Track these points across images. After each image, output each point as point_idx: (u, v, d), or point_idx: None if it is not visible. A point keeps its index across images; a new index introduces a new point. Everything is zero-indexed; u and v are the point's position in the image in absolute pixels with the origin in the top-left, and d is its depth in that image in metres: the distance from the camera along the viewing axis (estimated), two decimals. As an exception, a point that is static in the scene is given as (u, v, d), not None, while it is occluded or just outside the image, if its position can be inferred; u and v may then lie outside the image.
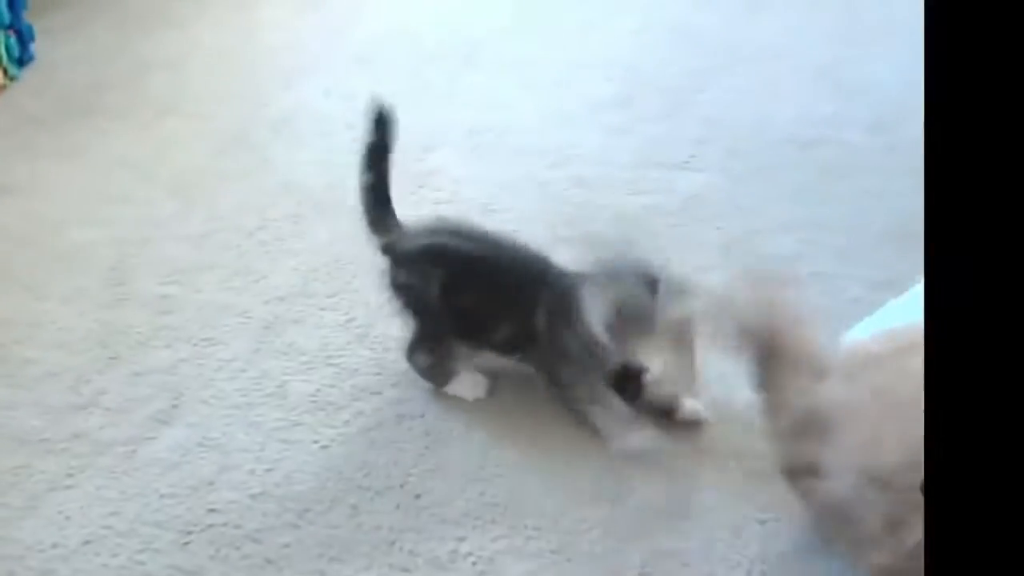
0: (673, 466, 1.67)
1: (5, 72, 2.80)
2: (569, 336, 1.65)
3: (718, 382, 1.79)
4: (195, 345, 1.97)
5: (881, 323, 1.38)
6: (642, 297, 1.58)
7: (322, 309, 2.02)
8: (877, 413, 1.27)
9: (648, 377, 1.68)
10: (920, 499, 1.07)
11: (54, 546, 1.64)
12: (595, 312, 1.60)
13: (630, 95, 2.52)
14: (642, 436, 1.69)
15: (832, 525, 1.37)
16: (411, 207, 2.23)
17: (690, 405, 1.75)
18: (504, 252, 1.76)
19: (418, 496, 1.66)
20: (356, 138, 2.47)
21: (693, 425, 1.74)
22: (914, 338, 1.36)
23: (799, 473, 1.42)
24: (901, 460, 1.21)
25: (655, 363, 1.64)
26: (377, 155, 1.82)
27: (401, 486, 1.68)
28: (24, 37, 2.87)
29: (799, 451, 1.41)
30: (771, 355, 1.47)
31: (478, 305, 1.74)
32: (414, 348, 1.80)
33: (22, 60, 2.87)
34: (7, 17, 2.77)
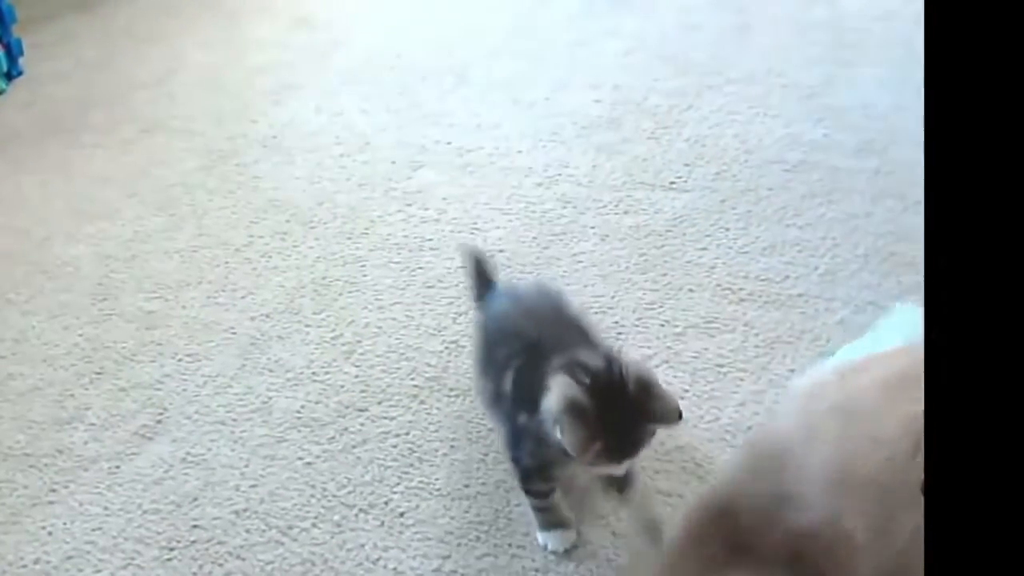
0: (659, 486, 1.67)
1: (-7, 85, 2.81)
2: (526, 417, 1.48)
3: (705, 398, 1.79)
4: (180, 360, 1.97)
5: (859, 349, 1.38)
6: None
7: (308, 326, 2.02)
8: (838, 426, 1.27)
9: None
10: (905, 493, 1.07)
11: (36, 562, 1.63)
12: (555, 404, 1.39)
13: (618, 116, 2.53)
14: (567, 537, 1.59)
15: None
16: (398, 226, 2.25)
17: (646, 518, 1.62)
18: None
19: (402, 514, 1.66)
20: (345, 155, 2.50)
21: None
22: (858, 364, 1.36)
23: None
24: (877, 461, 1.21)
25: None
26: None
27: (386, 503, 1.67)
28: (13, 51, 2.87)
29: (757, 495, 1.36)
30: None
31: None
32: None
33: (10, 75, 2.88)
34: (-6, 30, 2.78)
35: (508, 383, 1.53)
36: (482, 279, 1.79)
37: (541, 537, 1.60)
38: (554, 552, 1.58)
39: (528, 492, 1.59)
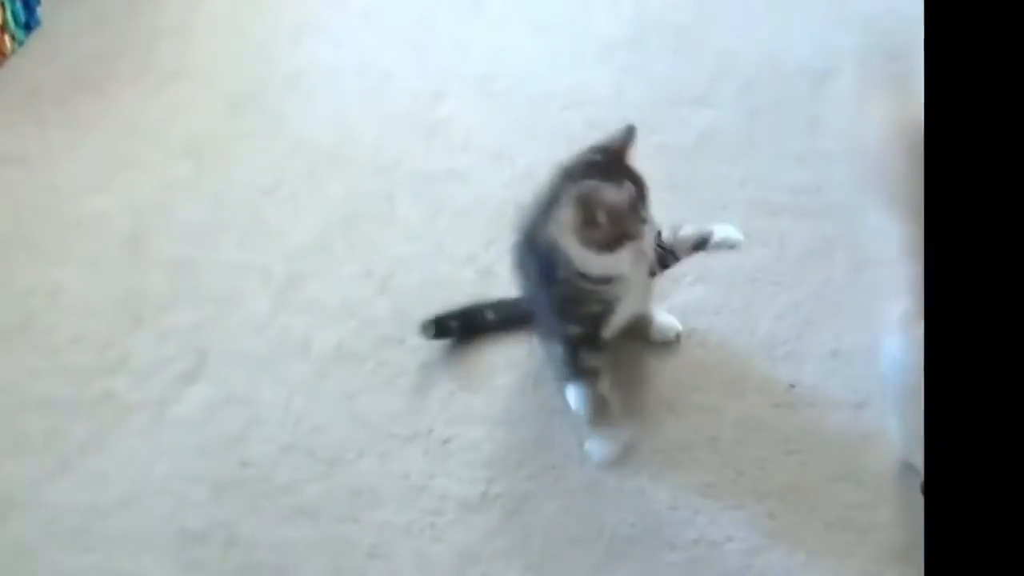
0: (698, 401, 1.68)
1: (13, 38, 2.79)
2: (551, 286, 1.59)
3: (741, 312, 1.79)
4: (217, 304, 1.98)
5: None
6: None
7: (341, 262, 2.02)
8: None
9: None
10: None
11: (89, 507, 1.67)
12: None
13: (641, 33, 2.50)
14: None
15: None
16: (423, 158, 2.24)
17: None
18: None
19: (446, 441, 1.67)
20: (367, 90, 2.48)
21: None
22: None
23: None
24: None
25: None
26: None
27: (429, 432, 1.69)
28: (31, 2, 2.85)
29: None
30: None
31: None
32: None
33: (29, 25, 2.86)
34: (9, -20, 2.76)
35: (539, 254, 1.59)
36: None
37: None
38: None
39: (581, 373, 1.63)
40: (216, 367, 1.86)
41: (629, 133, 1.54)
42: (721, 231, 1.66)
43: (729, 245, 1.65)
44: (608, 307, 1.60)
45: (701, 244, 1.66)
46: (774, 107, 2.22)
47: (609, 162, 1.52)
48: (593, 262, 1.53)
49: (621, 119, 2.21)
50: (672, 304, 1.81)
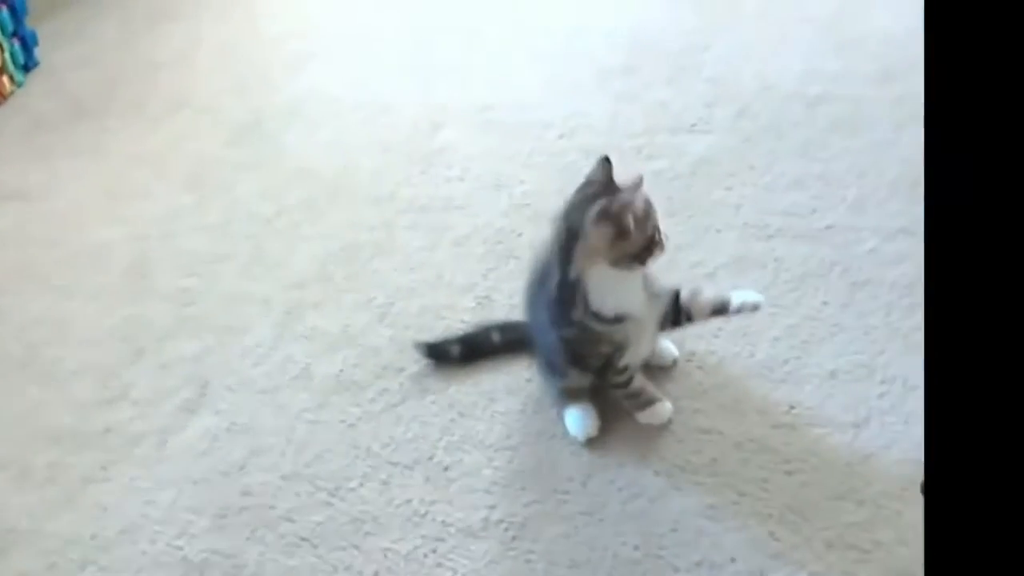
0: (699, 423, 1.68)
1: (12, 79, 2.82)
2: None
3: (739, 335, 1.80)
4: (218, 334, 1.99)
5: None
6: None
7: (341, 291, 2.04)
8: None
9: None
10: None
11: (93, 537, 1.67)
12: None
13: (635, 61, 2.52)
14: (664, 407, 1.70)
15: None
16: (423, 187, 2.26)
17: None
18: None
19: (447, 468, 1.68)
20: (366, 119, 2.50)
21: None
22: None
23: None
24: None
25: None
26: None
27: (429, 459, 1.70)
28: (28, 43, 2.88)
29: None
30: None
31: None
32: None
33: (27, 66, 2.89)
34: (10, 25, 2.79)
35: (551, 299, 1.60)
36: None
37: (568, 420, 1.69)
38: (581, 437, 1.67)
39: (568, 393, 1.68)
40: (218, 397, 1.87)
41: (605, 162, 1.55)
42: (740, 297, 1.66)
43: (750, 309, 1.66)
44: (619, 349, 1.61)
45: (721, 310, 1.66)
46: (768, 132, 2.23)
47: (605, 186, 1.53)
48: (609, 301, 1.54)
49: (617, 147, 2.25)
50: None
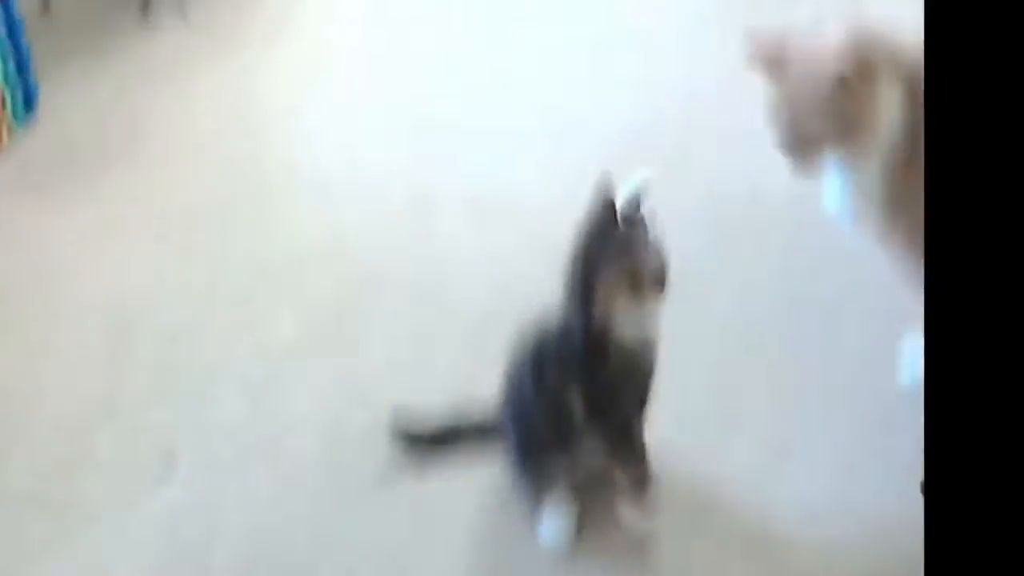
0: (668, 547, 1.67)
1: (10, 128, 2.83)
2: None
3: (709, 452, 1.79)
4: (192, 405, 1.98)
5: None
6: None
7: (319, 369, 2.02)
8: None
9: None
10: None
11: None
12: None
13: (627, 155, 2.53)
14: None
15: None
16: (409, 266, 2.25)
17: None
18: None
19: (410, 561, 1.66)
20: (358, 196, 2.50)
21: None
22: None
23: None
24: None
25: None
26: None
27: (393, 555, 1.67)
28: (30, 93, 2.89)
29: None
30: None
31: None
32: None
33: (26, 116, 2.90)
34: (13, 75, 2.80)
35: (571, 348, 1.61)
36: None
37: (542, 528, 1.66)
38: (555, 546, 1.64)
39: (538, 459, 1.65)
40: (185, 469, 1.85)
41: (609, 207, 1.60)
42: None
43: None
44: (650, 376, 1.62)
45: None
46: (746, 233, 2.25)
47: (612, 229, 1.58)
48: (635, 325, 1.57)
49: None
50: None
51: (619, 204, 1.59)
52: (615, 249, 1.54)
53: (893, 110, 1.53)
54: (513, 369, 1.68)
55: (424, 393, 1.93)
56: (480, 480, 1.78)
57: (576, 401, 1.60)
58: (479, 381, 1.93)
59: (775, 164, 1.63)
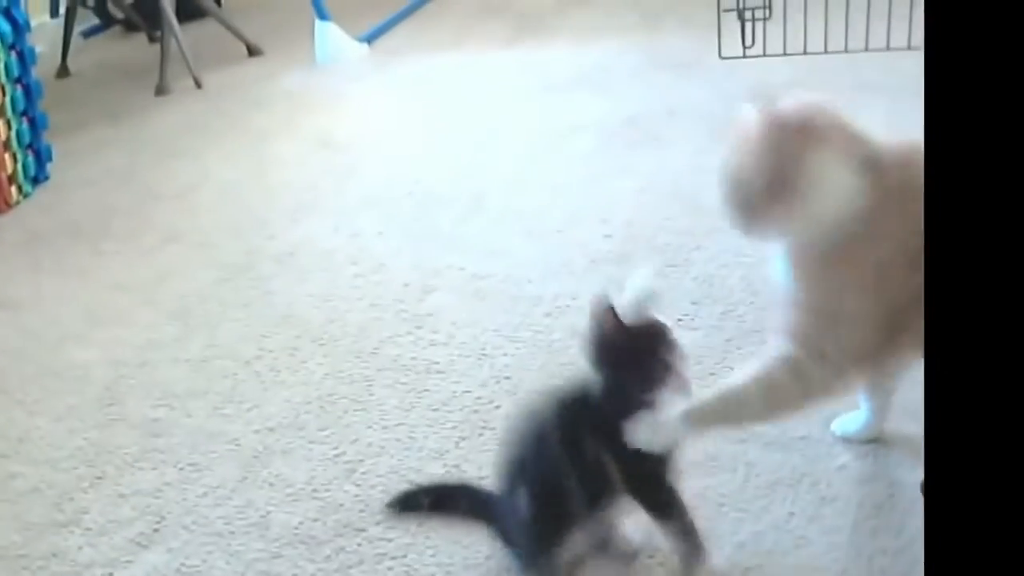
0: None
1: (20, 189, 2.87)
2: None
3: (704, 536, 1.78)
4: (181, 469, 1.97)
5: None
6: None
7: (311, 442, 2.03)
8: None
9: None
10: None
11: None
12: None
13: (628, 251, 2.58)
14: None
15: None
16: (407, 348, 2.27)
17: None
18: None
19: (395, 638, 1.64)
20: (358, 275, 2.54)
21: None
22: None
23: None
24: None
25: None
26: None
27: (379, 627, 1.66)
28: (42, 157, 2.94)
29: None
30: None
31: None
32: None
33: (37, 179, 2.94)
34: (27, 136, 2.85)
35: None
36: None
37: None
38: None
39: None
40: (172, 534, 1.83)
41: (617, 325, 1.62)
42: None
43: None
44: None
45: None
46: (751, 336, 2.27)
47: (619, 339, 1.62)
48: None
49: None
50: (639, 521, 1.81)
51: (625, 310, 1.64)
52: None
53: (834, 185, 1.51)
54: (529, 445, 1.67)
55: (413, 473, 1.93)
56: (467, 558, 1.77)
57: (613, 470, 1.61)
58: (468, 464, 1.94)
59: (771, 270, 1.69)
